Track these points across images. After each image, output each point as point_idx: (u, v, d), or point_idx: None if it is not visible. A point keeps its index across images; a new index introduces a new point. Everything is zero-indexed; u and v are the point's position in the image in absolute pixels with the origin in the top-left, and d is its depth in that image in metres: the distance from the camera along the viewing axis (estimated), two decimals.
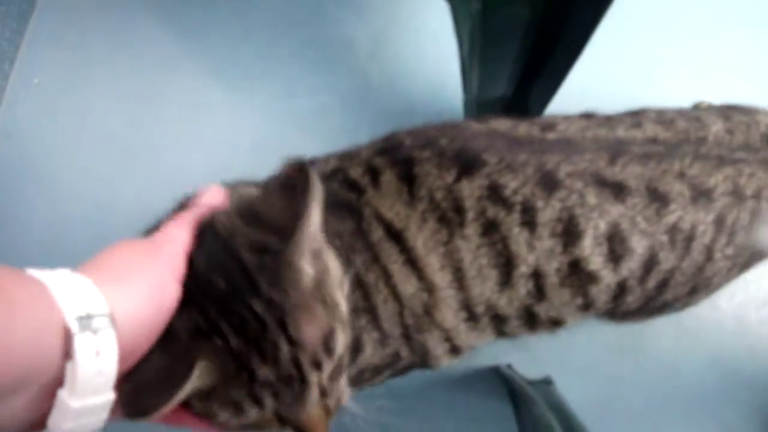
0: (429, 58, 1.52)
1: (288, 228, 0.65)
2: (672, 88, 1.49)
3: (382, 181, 0.92)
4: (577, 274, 0.92)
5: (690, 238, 0.94)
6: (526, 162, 0.90)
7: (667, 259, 0.94)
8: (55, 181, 1.54)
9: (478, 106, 1.27)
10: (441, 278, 0.92)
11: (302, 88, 1.52)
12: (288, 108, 1.50)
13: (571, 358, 1.32)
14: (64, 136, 1.55)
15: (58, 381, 0.53)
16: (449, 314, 0.95)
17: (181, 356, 0.61)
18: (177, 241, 0.67)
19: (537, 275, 0.92)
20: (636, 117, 1.01)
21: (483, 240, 0.90)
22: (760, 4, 1.57)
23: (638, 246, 0.92)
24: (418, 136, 0.95)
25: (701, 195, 0.92)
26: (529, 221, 0.90)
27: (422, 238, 0.91)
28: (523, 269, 0.92)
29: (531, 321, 0.98)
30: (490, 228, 0.90)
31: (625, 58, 1.52)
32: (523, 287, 0.93)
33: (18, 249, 1.49)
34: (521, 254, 0.91)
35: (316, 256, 0.68)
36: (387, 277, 0.92)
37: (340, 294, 0.70)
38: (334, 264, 0.71)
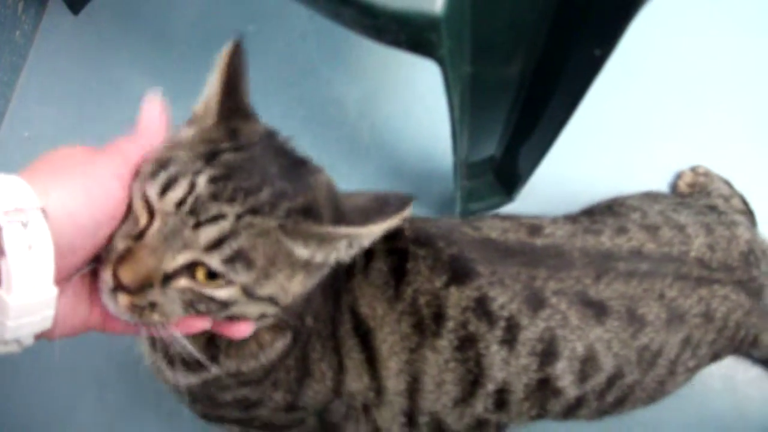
0: (418, 119, 1.53)
1: (346, 219, 0.69)
2: (661, 154, 1.51)
3: (373, 268, 0.92)
4: (543, 390, 0.93)
5: (657, 355, 0.96)
6: (516, 276, 0.91)
7: (631, 373, 0.96)
8: None
9: (468, 167, 1.27)
10: (394, 384, 0.91)
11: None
12: None
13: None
14: None
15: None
16: (387, 416, 0.94)
17: None
18: (124, 150, 0.67)
19: (502, 391, 0.92)
20: (619, 219, 1.04)
21: (455, 354, 0.89)
22: (747, 69, 1.58)
23: (607, 364, 0.93)
24: (419, 230, 0.95)
25: (675, 318, 0.95)
26: (510, 339, 0.89)
27: (390, 340, 0.89)
28: (490, 387, 0.91)
29: (477, 428, 0.97)
30: (466, 342, 0.89)
31: (615, 121, 1.53)
32: (482, 403, 0.92)
33: None
34: (492, 373, 0.90)
35: (325, 252, 0.69)
36: (338, 370, 0.90)
37: (284, 289, 0.68)
38: (300, 280, 0.70)
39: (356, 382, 0.91)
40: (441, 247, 0.92)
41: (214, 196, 0.63)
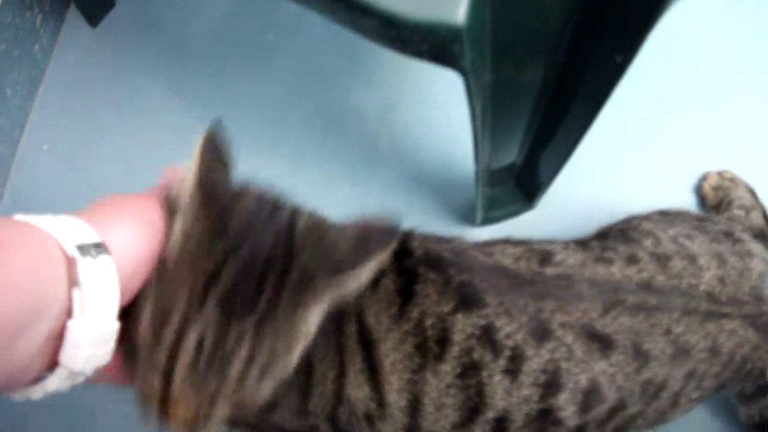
0: (438, 127, 1.52)
1: (336, 268, 0.67)
2: (684, 158, 1.50)
3: (381, 283, 0.90)
4: (544, 420, 0.91)
5: (660, 388, 0.95)
6: (524, 307, 0.90)
7: (634, 405, 0.95)
8: None
9: (489, 174, 1.27)
10: (395, 399, 0.89)
11: (311, 158, 1.52)
12: (297, 178, 1.50)
13: None
14: (73, 203, 1.54)
15: (67, 314, 0.54)
16: (390, 429, 0.92)
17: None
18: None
19: (501, 419, 0.90)
20: (631, 246, 1.02)
21: (456, 381, 0.88)
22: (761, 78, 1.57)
23: (610, 396, 0.92)
24: (430, 252, 0.94)
25: (681, 353, 0.94)
26: (514, 369, 0.88)
27: (393, 357, 0.88)
28: (490, 415, 0.90)
29: None
30: (469, 370, 0.88)
31: (636, 125, 1.52)
32: (480, 429, 0.91)
33: None
34: (493, 402, 0.89)
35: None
36: (340, 373, 0.89)
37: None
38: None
39: (356, 390, 0.89)
40: (452, 274, 0.91)
41: (227, 319, 0.63)
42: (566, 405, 0.90)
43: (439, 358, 0.88)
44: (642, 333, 0.92)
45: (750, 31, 1.61)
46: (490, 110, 0.96)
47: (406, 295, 0.90)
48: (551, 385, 0.89)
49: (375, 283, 0.89)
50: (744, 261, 1.04)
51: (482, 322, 0.88)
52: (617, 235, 1.09)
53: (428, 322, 0.88)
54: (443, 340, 0.88)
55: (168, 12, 1.70)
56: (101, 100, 1.62)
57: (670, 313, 0.94)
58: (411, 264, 0.92)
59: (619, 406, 0.93)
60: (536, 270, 0.94)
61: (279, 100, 1.58)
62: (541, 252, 0.97)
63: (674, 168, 1.49)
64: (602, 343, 0.90)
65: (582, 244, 1.03)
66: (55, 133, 1.60)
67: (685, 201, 1.46)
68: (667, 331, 0.93)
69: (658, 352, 0.92)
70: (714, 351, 0.96)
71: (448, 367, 0.88)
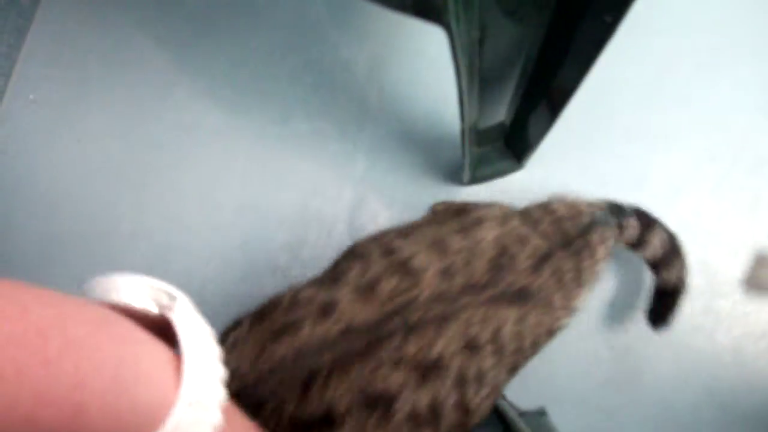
0: (428, 84, 1.51)
1: None
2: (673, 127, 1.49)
3: None
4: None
5: (436, 412, 0.83)
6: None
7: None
8: (49, 197, 1.52)
9: (477, 133, 1.26)
10: None
11: (299, 112, 1.51)
12: (284, 132, 1.49)
13: (566, 389, 1.30)
14: (59, 153, 1.54)
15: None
16: None
17: None
18: None
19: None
20: (329, 291, 0.88)
21: None
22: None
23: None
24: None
25: (430, 370, 0.82)
26: None
27: None
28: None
29: None
30: None
31: (624, 94, 1.51)
32: None
33: (11, 264, 1.49)
34: None
35: None
36: None
37: None
38: None
39: None
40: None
41: None
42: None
43: None
44: (364, 385, 0.80)
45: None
46: (477, 68, 0.95)
47: None
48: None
49: None
50: (472, 235, 0.94)
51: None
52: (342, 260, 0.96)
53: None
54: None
55: None
56: (88, 50, 1.60)
57: (389, 343, 0.81)
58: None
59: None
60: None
61: (268, 54, 1.56)
62: (324, 305, 0.85)
63: (670, 133, 1.48)
64: (324, 422, 0.80)
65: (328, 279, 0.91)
66: (42, 82, 1.59)
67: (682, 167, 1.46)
68: (397, 362, 0.81)
69: (397, 387, 0.81)
70: (472, 347, 0.85)
71: None
